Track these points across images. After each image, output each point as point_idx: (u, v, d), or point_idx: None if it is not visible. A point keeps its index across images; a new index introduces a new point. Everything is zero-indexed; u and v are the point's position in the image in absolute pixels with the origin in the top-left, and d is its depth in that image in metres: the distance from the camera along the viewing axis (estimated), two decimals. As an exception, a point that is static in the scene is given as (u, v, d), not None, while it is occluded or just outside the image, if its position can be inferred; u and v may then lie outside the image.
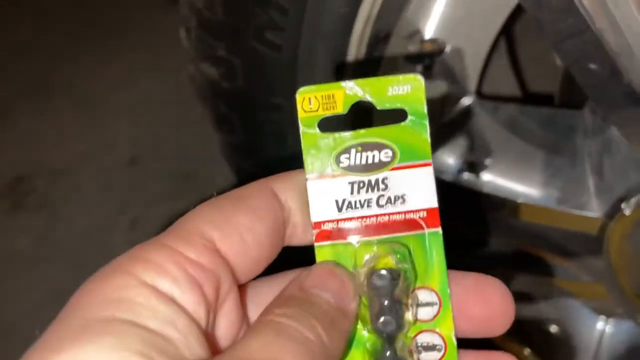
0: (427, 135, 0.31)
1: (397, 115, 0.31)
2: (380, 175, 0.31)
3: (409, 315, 0.30)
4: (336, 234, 0.31)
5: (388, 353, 0.29)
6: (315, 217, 0.31)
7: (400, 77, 0.31)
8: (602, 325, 0.75)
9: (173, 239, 0.27)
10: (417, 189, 0.31)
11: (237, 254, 0.28)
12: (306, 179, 0.31)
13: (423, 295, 0.31)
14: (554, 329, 0.76)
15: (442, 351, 0.31)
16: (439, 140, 0.68)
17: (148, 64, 1.63)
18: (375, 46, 0.59)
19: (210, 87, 0.63)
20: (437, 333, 0.31)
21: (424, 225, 0.31)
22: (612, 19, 0.45)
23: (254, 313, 0.31)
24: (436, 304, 0.31)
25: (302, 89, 0.31)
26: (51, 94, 1.57)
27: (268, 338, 0.25)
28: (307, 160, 0.31)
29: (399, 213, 0.31)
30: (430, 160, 0.31)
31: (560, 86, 0.71)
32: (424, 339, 0.31)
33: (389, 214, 0.31)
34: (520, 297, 0.78)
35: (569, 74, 0.67)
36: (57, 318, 0.25)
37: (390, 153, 0.31)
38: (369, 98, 0.31)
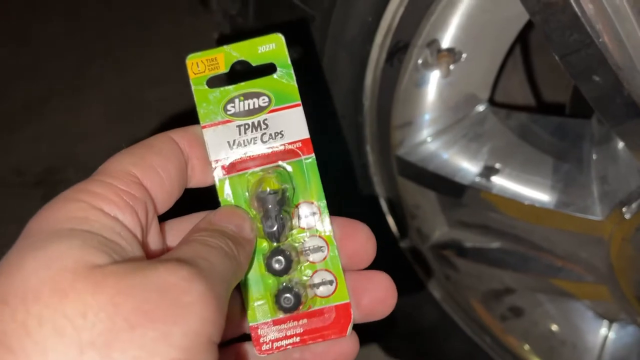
0: (294, 82, 0.37)
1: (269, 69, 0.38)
2: (261, 118, 0.37)
3: (290, 223, 0.37)
4: (231, 168, 0.37)
5: (275, 247, 0.37)
6: (212, 157, 0.37)
7: (265, 37, 0.37)
8: (606, 330, 0.78)
9: (105, 177, 0.33)
10: (292, 125, 0.37)
11: (156, 188, 0.35)
12: (202, 127, 0.37)
13: (305, 208, 0.38)
14: (555, 327, 0.78)
15: (326, 251, 0.38)
16: (453, 144, 0.72)
17: (176, 62, 1.68)
18: (395, 54, 0.63)
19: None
20: (320, 237, 0.38)
21: (300, 153, 0.38)
22: (615, 33, 0.49)
23: (170, 239, 0.37)
24: (316, 213, 0.38)
25: (191, 55, 0.37)
26: (82, 90, 1.63)
27: (196, 246, 0.32)
28: (201, 111, 0.37)
29: (279, 145, 0.37)
30: (299, 102, 0.37)
31: (570, 96, 0.74)
32: (310, 243, 0.38)
33: (271, 147, 0.37)
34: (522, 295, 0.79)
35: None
36: (20, 236, 0.31)
37: (267, 99, 0.37)
38: (244, 58, 0.37)
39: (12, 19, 1.87)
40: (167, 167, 0.35)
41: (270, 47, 0.37)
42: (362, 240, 0.39)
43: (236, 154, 0.37)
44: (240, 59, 0.37)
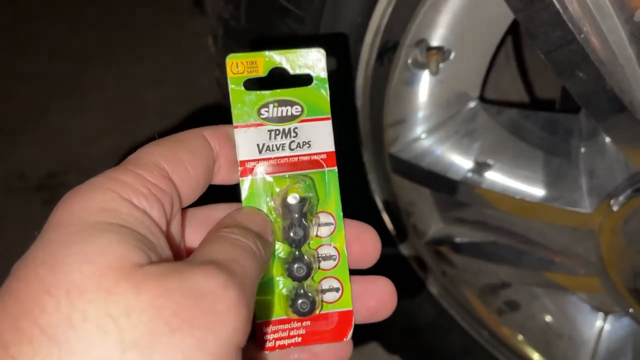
0: (327, 96, 0.38)
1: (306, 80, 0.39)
2: (292, 126, 0.38)
3: (312, 231, 0.38)
4: (256, 171, 0.38)
5: (297, 253, 0.38)
6: (240, 157, 0.38)
7: (308, 50, 0.38)
8: (601, 323, 0.79)
9: (135, 167, 0.33)
10: (319, 137, 0.38)
11: (182, 183, 0.35)
12: (234, 127, 0.38)
13: (322, 218, 0.39)
14: (551, 320, 0.79)
15: (337, 260, 0.39)
16: (445, 141, 0.73)
17: (174, 65, 1.69)
18: (385, 54, 0.64)
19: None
20: (333, 246, 0.39)
21: (324, 164, 0.39)
22: (597, 29, 0.50)
23: (188, 229, 0.38)
24: (332, 224, 0.39)
25: (231, 55, 0.37)
26: (83, 93, 1.64)
27: (226, 245, 0.33)
28: (235, 111, 0.37)
29: (305, 155, 0.38)
30: (329, 116, 0.38)
31: (560, 92, 0.75)
32: (323, 251, 0.39)
33: (298, 156, 0.38)
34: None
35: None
36: (50, 222, 0.30)
37: (299, 108, 0.38)
38: (284, 65, 0.38)
39: (13, 25, 1.89)
40: (195, 164, 0.35)
41: (311, 59, 0.38)
42: (369, 243, 0.40)
43: (264, 157, 0.38)
44: (279, 66, 0.38)
